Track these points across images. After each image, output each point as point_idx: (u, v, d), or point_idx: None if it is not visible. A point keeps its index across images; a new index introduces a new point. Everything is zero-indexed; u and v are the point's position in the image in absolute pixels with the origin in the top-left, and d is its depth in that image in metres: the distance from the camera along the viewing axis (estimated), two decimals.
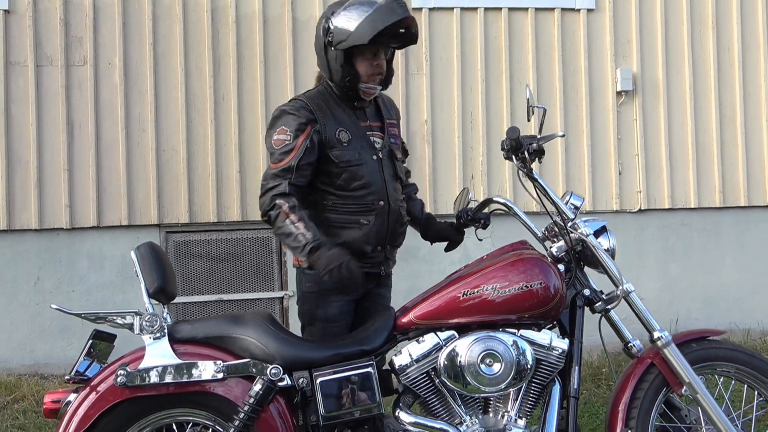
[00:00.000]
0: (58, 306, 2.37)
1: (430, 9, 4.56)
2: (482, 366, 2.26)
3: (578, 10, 4.74)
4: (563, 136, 2.49)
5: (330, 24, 2.45)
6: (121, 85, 4.28)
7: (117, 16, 4.27)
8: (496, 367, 2.26)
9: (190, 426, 2.33)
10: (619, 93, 4.77)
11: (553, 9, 4.70)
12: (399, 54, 4.39)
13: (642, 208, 4.81)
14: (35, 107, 4.20)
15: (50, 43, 4.23)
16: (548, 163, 4.63)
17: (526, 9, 4.68)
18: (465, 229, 2.77)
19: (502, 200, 2.64)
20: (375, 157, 2.56)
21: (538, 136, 2.39)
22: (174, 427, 2.33)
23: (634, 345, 2.49)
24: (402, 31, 2.48)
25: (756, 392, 2.55)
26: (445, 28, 4.61)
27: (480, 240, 2.77)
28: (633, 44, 4.81)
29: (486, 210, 2.69)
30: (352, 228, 2.51)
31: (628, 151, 4.81)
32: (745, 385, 2.55)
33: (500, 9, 4.64)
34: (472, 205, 2.72)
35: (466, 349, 2.26)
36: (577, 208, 2.50)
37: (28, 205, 4.18)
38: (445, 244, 2.83)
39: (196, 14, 4.36)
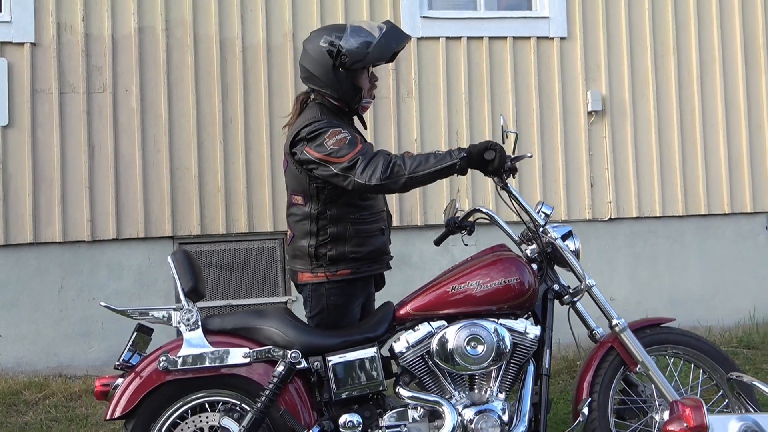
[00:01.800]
0: (107, 304, 2.70)
1: (418, 38, 4.91)
2: (468, 348, 2.57)
3: (552, 38, 5.09)
4: (531, 156, 2.84)
5: (339, 46, 2.64)
6: (138, 109, 4.58)
7: (134, 47, 4.59)
8: (480, 348, 2.57)
9: (220, 404, 2.64)
10: (589, 113, 5.09)
11: (529, 38, 5.06)
12: (391, 79, 4.87)
13: (612, 217, 5.11)
14: (59, 131, 4.50)
15: (73, 72, 4.54)
16: (527, 177, 4.97)
17: (505, 38, 5.03)
18: (452, 236, 3.11)
19: (485, 210, 3.00)
20: None
21: (512, 156, 2.65)
22: (206, 406, 2.64)
23: (597, 332, 2.80)
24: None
25: (701, 371, 2.85)
26: (432, 55, 4.94)
27: (466, 245, 3.10)
28: (602, 69, 5.14)
29: (471, 219, 3.04)
30: (377, 235, 2.81)
31: (599, 166, 5.12)
32: (692, 365, 2.85)
33: (482, 38, 4.99)
34: (460, 214, 3.06)
35: (454, 334, 2.58)
36: (547, 215, 2.81)
37: (53, 220, 4.46)
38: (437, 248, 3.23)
39: (205, 45, 4.68)
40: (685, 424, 1.50)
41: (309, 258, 2.77)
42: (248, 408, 2.60)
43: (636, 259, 5.18)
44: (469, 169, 2.61)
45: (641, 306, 4.99)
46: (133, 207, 4.56)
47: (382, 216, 2.88)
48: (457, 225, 3.04)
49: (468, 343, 2.58)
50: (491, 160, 2.55)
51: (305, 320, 2.85)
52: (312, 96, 2.81)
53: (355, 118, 2.93)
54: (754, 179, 5.33)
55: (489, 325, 2.61)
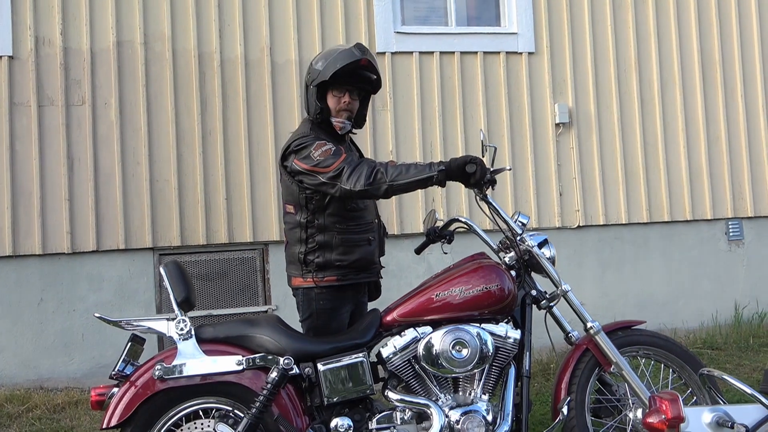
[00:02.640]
0: (101, 315, 2.76)
1: (392, 53, 5.06)
2: (453, 352, 2.66)
3: (521, 53, 5.28)
4: (510, 169, 3.00)
5: (310, 67, 2.90)
6: (117, 122, 4.62)
7: (112, 61, 4.63)
8: (464, 352, 2.66)
9: (214, 411, 2.68)
10: (557, 125, 5.29)
11: (499, 53, 5.24)
12: None
13: (580, 224, 5.30)
14: (38, 143, 4.52)
15: (51, 85, 4.57)
16: (500, 187, 5.11)
17: (476, 53, 5.21)
18: (432, 244, 3.23)
19: (463, 219, 3.12)
20: None
21: (491, 169, 2.75)
22: (201, 413, 2.68)
23: (572, 335, 2.92)
24: (373, 76, 2.91)
25: (670, 370, 2.99)
26: (406, 69, 5.09)
27: (445, 253, 3.24)
28: (568, 82, 5.34)
29: (450, 228, 3.17)
30: (362, 245, 2.92)
31: (567, 175, 5.31)
32: (662, 365, 2.99)
33: (453, 53, 5.16)
34: (439, 224, 3.19)
35: (440, 339, 2.67)
36: (524, 224, 2.95)
37: (32, 232, 4.47)
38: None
39: (184, 59, 4.75)
40: (663, 416, 1.63)
41: (300, 264, 2.91)
42: (242, 414, 2.66)
43: (603, 265, 5.38)
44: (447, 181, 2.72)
45: (609, 310, 5.16)
46: (113, 219, 4.59)
47: (371, 227, 2.99)
48: (438, 234, 3.17)
49: (453, 347, 2.67)
50: (472, 173, 2.67)
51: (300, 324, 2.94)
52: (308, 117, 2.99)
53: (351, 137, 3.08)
54: (714, 188, 5.57)
55: (472, 329, 2.70)
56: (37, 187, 4.52)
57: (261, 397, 2.62)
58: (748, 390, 1.67)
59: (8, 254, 4.46)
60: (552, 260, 2.92)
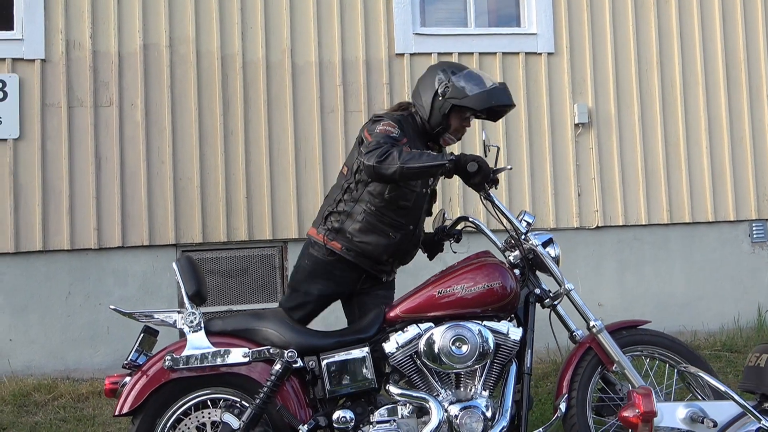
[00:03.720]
0: (116, 307, 2.88)
1: (411, 54, 5.12)
2: (453, 348, 2.71)
3: (540, 53, 5.29)
4: (511, 168, 3.05)
5: (450, 79, 2.92)
6: (143, 123, 4.78)
7: (139, 64, 4.79)
8: (464, 348, 2.71)
9: (221, 401, 2.77)
10: (576, 125, 5.28)
11: (518, 53, 5.26)
12: (385, 93, 5.06)
13: (599, 225, 5.28)
14: (67, 143, 4.69)
15: (81, 87, 4.74)
16: (517, 187, 5.16)
17: (495, 53, 5.24)
18: (443, 243, 3.29)
19: (471, 219, 3.18)
20: (425, 191, 3.06)
21: (494, 169, 2.80)
22: (209, 402, 2.77)
23: (576, 333, 2.95)
24: (497, 110, 3.00)
25: (675, 370, 2.96)
26: (425, 70, 5.18)
27: (455, 252, 3.28)
28: (588, 82, 5.33)
29: (458, 227, 3.23)
30: (381, 235, 2.97)
31: (586, 176, 5.30)
32: (666, 365, 2.97)
33: (472, 53, 5.19)
34: (448, 222, 3.25)
35: (441, 335, 2.72)
36: (529, 224, 2.96)
37: (61, 229, 4.65)
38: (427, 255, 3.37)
39: (207, 61, 4.88)
40: (637, 411, 1.69)
41: (321, 218, 3.06)
42: (248, 405, 2.75)
43: (623, 266, 5.35)
44: (458, 179, 2.80)
45: (628, 311, 5.13)
46: (138, 216, 4.74)
47: (403, 229, 3.01)
48: (446, 233, 3.23)
49: (453, 343, 2.72)
50: (473, 173, 2.73)
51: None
52: (410, 108, 3.07)
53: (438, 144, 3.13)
54: (737, 188, 5.51)
55: (473, 326, 2.74)
56: (67, 185, 4.69)
57: (265, 388, 2.71)
58: (722, 387, 1.71)
59: (39, 249, 4.64)
60: (556, 259, 2.94)
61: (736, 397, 1.67)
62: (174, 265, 2.90)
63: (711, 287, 5.45)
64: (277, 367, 2.71)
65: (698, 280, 5.44)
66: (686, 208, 5.42)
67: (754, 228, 5.54)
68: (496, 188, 2.89)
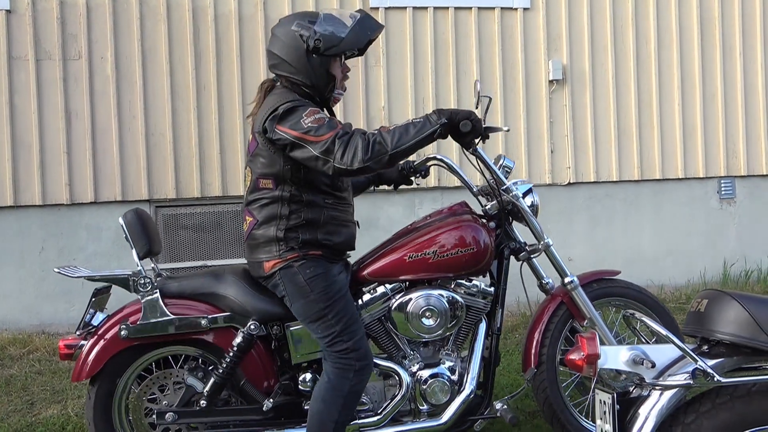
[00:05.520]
0: (60, 269, 2.68)
1: (386, 8, 5.06)
2: (423, 319, 2.67)
3: (515, 8, 5.26)
4: (508, 130, 2.88)
5: (315, 32, 2.49)
6: (113, 77, 4.71)
7: (108, 15, 4.69)
8: (434, 319, 2.67)
9: (182, 358, 2.65)
10: (551, 82, 5.29)
11: (493, 8, 5.22)
12: None
13: (571, 181, 5.34)
14: (36, 97, 4.62)
15: (48, 39, 4.64)
16: (490, 142, 5.10)
17: (470, 8, 5.19)
18: (411, 178, 3.12)
19: (440, 157, 2.99)
20: None
21: (486, 126, 2.59)
22: (170, 359, 2.66)
23: (548, 283, 2.93)
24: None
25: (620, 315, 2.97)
26: (399, 25, 5.09)
27: (417, 185, 3.19)
28: (563, 39, 5.32)
29: (428, 164, 3.07)
30: (349, 226, 2.68)
31: (559, 132, 5.34)
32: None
33: (447, 8, 5.14)
34: (415, 158, 3.01)
35: (410, 305, 2.66)
36: (509, 170, 2.89)
37: (32, 184, 4.61)
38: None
39: (178, 13, 4.79)
40: (582, 353, 1.77)
41: (276, 243, 2.56)
42: (210, 364, 2.65)
43: (593, 222, 5.43)
44: None
45: (598, 266, 4.83)
46: (111, 171, 4.71)
47: (352, 209, 2.76)
48: (413, 169, 3.07)
49: (423, 314, 2.67)
50: (466, 133, 2.49)
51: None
52: (280, 83, 2.62)
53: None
54: (707, 146, 5.58)
55: (444, 294, 2.70)
56: (37, 140, 4.63)
57: (228, 359, 2.59)
58: (663, 331, 1.80)
59: (9, 204, 4.60)
60: (535, 209, 2.86)
61: (676, 339, 1.76)
62: (120, 220, 2.67)
63: (679, 242, 5.55)
64: (238, 339, 2.60)
65: (667, 236, 5.54)
66: (657, 165, 5.49)
67: (722, 185, 5.64)
68: (484, 143, 2.70)
